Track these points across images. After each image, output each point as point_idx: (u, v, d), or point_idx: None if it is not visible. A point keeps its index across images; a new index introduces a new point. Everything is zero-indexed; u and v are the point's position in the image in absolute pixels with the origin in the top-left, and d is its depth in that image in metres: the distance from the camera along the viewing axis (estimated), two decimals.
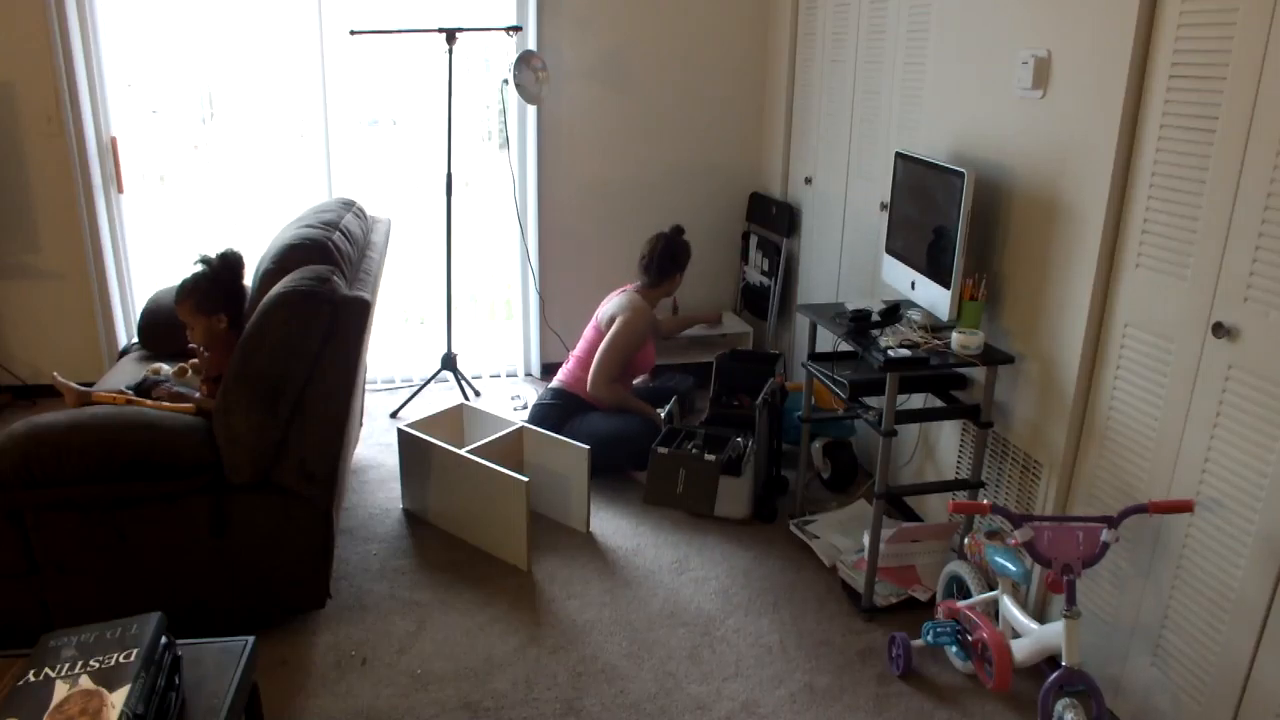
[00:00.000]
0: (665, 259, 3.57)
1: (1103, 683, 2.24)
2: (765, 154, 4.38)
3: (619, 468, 3.43)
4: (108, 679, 1.48)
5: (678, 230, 3.66)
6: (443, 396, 4.18)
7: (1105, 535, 1.97)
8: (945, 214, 2.54)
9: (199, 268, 2.58)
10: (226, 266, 2.60)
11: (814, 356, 2.92)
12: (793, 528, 3.09)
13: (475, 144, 5.18)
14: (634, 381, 3.77)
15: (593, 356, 3.49)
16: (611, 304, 3.57)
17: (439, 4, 4.16)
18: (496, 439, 3.12)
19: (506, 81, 3.97)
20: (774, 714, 2.28)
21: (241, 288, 2.66)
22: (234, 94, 4.66)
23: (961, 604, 2.32)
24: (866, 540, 2.63)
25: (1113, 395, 2.21)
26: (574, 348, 3.66)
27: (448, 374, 4.20)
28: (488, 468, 2.86)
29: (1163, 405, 2.04)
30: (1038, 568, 2.42)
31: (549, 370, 4.45)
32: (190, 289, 2.56)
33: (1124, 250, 2.15)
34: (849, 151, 3.48)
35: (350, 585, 2.78)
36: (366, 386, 3.95)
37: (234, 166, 4.93)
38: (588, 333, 3.60)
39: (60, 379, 2.75)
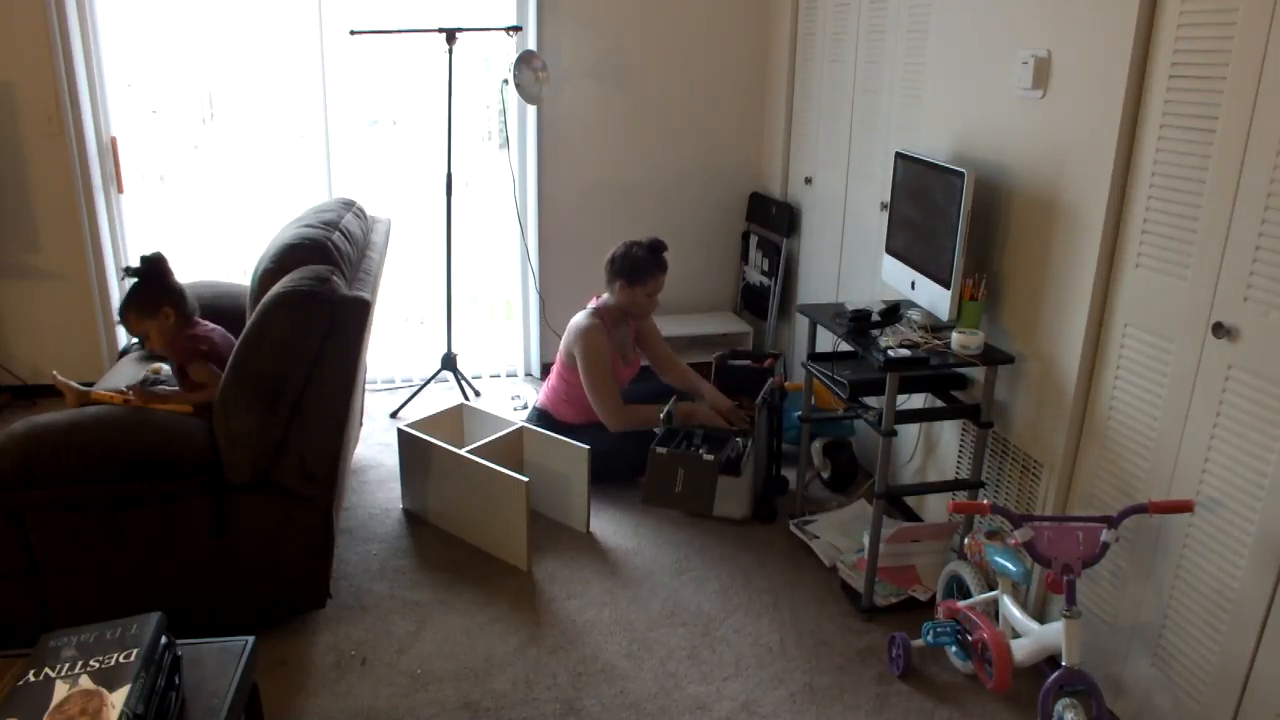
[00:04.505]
0: (614, 264, 3.33)
1: (1103, 683, 2.24)
2: (765, 154, 4.38)
3: (617, 478, 3.41)
4: (108, 679, 1.48)
5: (653, 244, 3.34)
6: (443, 396, 4.18)
7: (1105, 535, 1.97)
8: (945, 214, 2.54)
9: (128, 282, 2.59)
10: (150, 266, 2.60)
11: (814, 356, 2.92)
12: (793, 528, 3.09)
13: (475, 144, 5.19)
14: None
15: (564, 384, 3.42)
16: (566, 333, 3.40)
17: (439, 4, 4.17)
18: (496, 439, 3.12)
19: (506, 81, 3.97)
20: (774, 714, 2.28)
21: (173, 282, 2.65)
22: (234, 94, 4.67)
23: (961, 604, 2.32)
24: (866, 540, 2.63)
25: (1112, 395, 2.21)
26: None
27: (448, 374, 4.20)
28: (488, 468, 2.86)
29: (1162, 405, 2.04)
30: (1038, 568, 2.42)
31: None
32: (127, 302, 2.58)
33: (1124, 250, 2.15)
34: (849, 151, 3.48)
35: (350, 585, 2.78)
36: (366, 386, 3.95)
37: (234, 166, 4.94)
38: (556, 360, 3.49)
39: (60, 379, 2.75)
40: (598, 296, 3.47)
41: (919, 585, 2.73)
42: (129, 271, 2.58)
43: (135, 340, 3.46)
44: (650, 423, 3.32)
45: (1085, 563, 1.95)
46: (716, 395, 3.45)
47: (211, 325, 2.69)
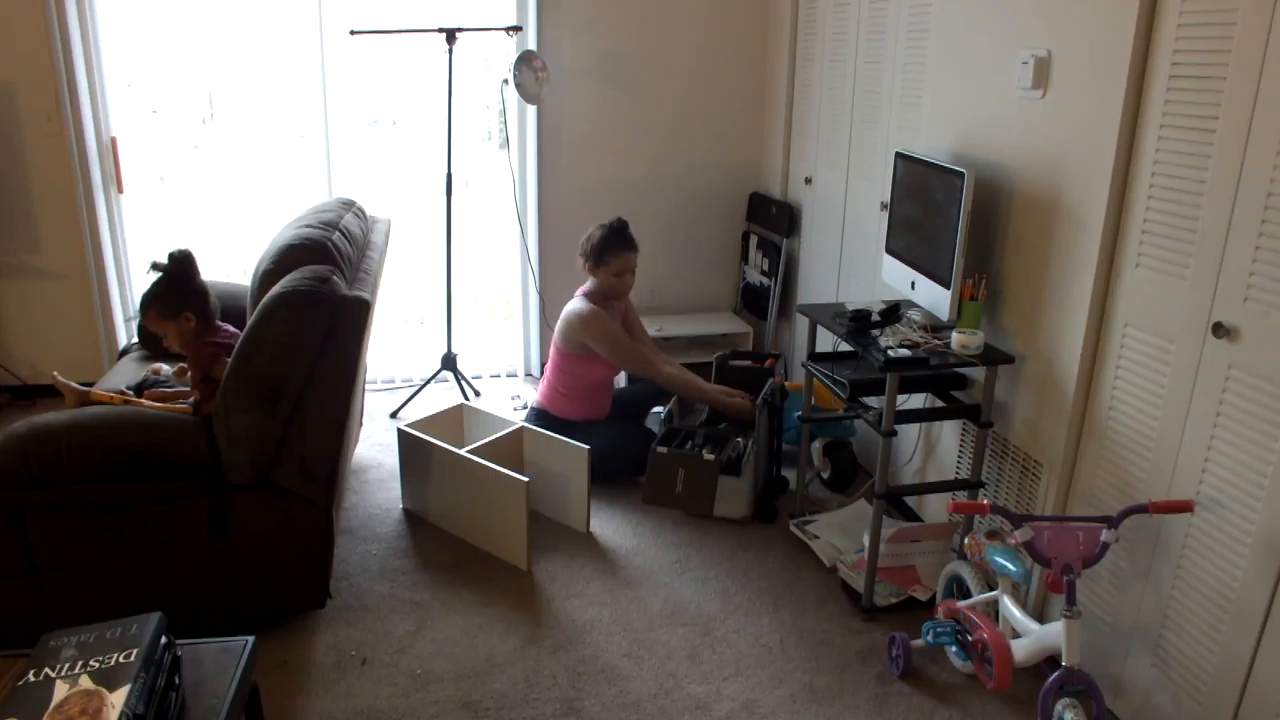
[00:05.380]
0: (581, 249, 3.40)
1: (1103, 683, 2.24)
2: (765, 154, 4.38)
3: (617, 478, 3.41)
4: (108, 679, 1.48)
5: (614, 223, 3.38)
6: (443, 396, 4.18)
7: (1105, 535, 1.97)
8: (945, 214, 2.54)
9: (154, 275, 2.56)
10: (178, 265, 2.57)
11: (814, 356, 2.92)
12: (793, 528, 3.09)
13: (475, 144, 5.19)
14: (620, 382, 3.73)
15: (561, 375, 3.42)
16: (562, 320, 3.40)
17: (439, 4, 4.17)
18: (496, 439, 3.12)
19: (506, 81, 3.97)
20: (774, 714, 2.28)
21: (199, 283, 2.63)
22: (234, 94, 4.67)
23: (961, 604, 2.32)
24: (866, 540, 2.63)
25: (1113, 395, 2.21)
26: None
27: (448, 374, 4.20)
28: (488, 468, 2.86)
29: (1162, 405, 2.04)
30: (1038, 568, 2.42)
31: None
32: (151, 298, 2.55)
33: (1124, 250, 2.15)
34: (849, 151, 3.48)
35: (350, 585, 2.78)
36: (366, 386, 3.95)
37: (234, 166, 4.94)
38: (551, 353, 3.49)
39: (60, 379, 2.75)
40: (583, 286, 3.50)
41: (919, 585, 2.73)
42: (155, 267, 2.56)
43: (135, 340, 3.46)
44: (694, 389, 3.35)
45: (1085, 563, 1.95)
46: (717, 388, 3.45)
47: (231, 329, 2.67)
